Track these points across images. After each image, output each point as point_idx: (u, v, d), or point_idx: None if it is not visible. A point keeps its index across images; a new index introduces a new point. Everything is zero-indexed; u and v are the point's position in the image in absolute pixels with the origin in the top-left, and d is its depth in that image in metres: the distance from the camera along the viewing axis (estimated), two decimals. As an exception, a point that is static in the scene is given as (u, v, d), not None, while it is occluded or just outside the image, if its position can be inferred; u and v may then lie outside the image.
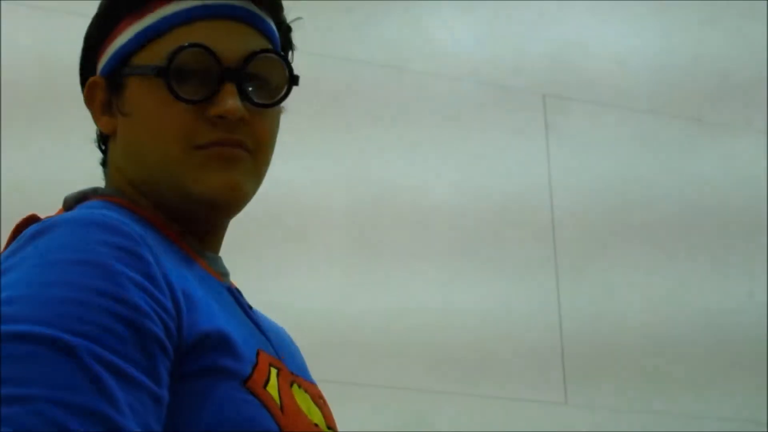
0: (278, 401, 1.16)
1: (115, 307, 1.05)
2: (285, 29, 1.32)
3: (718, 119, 3.22)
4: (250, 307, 1.28)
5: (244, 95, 1.23)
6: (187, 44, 1.22)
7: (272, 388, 1.16)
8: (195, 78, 1.23)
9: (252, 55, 1.24)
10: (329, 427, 1.26)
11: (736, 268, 3.09)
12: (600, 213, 3.02)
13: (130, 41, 1.25)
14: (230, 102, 1.21)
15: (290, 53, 1.33)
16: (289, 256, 2.67)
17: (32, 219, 1.19)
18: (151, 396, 1.04)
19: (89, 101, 1.29)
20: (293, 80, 1.27)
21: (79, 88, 1.33)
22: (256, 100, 1.24)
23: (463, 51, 3.02)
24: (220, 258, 1.31)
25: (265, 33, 1.28)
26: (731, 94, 3.25)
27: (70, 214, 1.17)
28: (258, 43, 1.26)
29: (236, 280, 1.31)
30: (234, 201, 1.25)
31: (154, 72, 1.22)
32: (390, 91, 2.89)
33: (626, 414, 2.85)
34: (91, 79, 1.29)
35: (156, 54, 1.23)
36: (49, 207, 1.27)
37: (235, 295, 1.27)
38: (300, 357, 1.37)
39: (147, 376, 1.04)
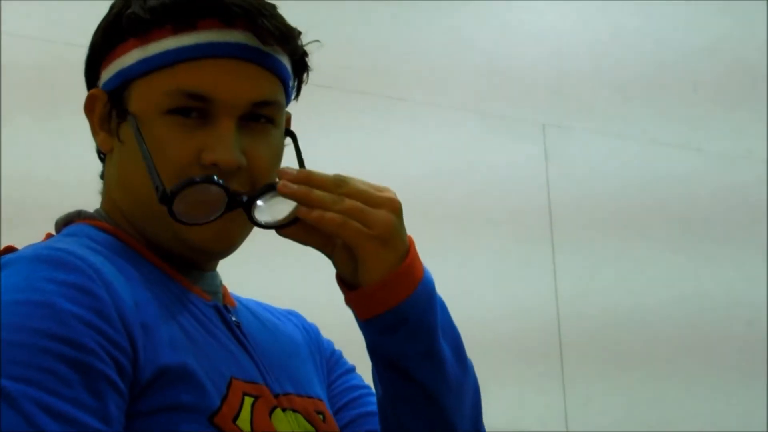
0: None
1: (60, 348, 1.02)
2: (299, 56, 1.26)
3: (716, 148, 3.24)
4: (238, 325, 1.25)
5: (249, 217, 1.17)
6: (190, 182, 1.14)
7: (243, 422, 1.13)
8: (193, 111, 1.18)
9: (266, 189, 1.17)
10: None
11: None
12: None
13: (134, 66, 1.20)
14: (228, 151, 1.16)
15: (305, 74, 1.28)
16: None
17: (8, 250, 1.16)
18: None
19: (88, 112, 1.26)
20: (292, 135, 1.26)
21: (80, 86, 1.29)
22: (261, 224, 1.17)
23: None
24: (212, 275, 1.28)
25: (275, 72, 1.22)
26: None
27: (24, 250, 1.14)
28: (265, 86, 1.21)
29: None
30: (226, 250, 1.22)
31: (158, 194, 1.15)
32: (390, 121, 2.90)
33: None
34: (93, 91, 1.25)
35: (159, 87, 1.18)
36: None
37: (222, 313, 1.23)
38: (305, 359, 1.33)
39: (94, 417, 1.01)
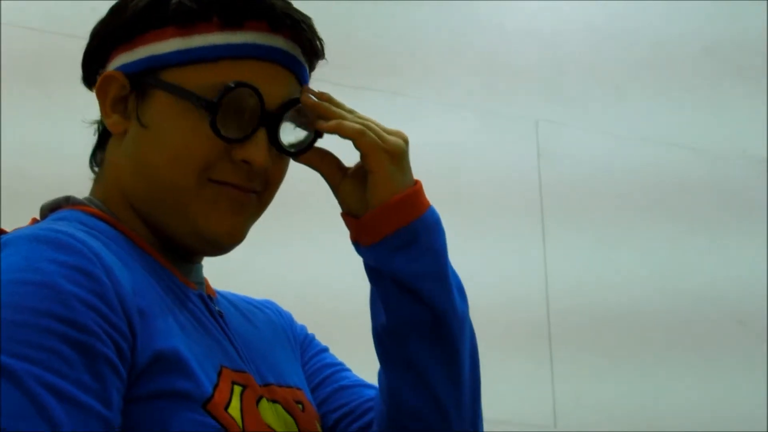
0: (240, 424, 1.14)
1: (62, 328, 1.02)
2: (314, 66, 1.31)
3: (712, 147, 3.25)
4: (221, 314, 1.26)
5: (272, 140, 1.22)
6: (241, 84, 1.19)
7: (234, 410, 1.14)
8: (232, 115, 1.20)
9: (290, 103, 1.23)
10: None
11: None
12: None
13: (171, 55, 1.21)
14: (261, 153, 1.19)
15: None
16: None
17: None
18: (100, 419, 1.01)
19: (101, 93, 1.25)
20: (318, 133, 1.26)
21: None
22: (284, 146, 1.23)
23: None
24: (199, 267, 1.29)
25: (302, 80, 1.26)
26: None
27: (22, 231, 1.13)
28: (295, 90, 1.24)
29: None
30: (232, 245, 1.24)
31: (202, 104, 1.18)
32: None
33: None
34: (111, 72, 1.24)
35: (198, 79, 1.20)
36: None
37: (207, 303, 1.25)
38: (284, 346, 1.34)
39: (96, 400, 1.01)
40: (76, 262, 1.06)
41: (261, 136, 1.20)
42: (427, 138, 2.92)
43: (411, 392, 1.22)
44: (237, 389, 1.16)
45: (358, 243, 1.24)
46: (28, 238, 1.09)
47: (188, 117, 1.20)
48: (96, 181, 1.28)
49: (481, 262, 2.88)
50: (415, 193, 1.22)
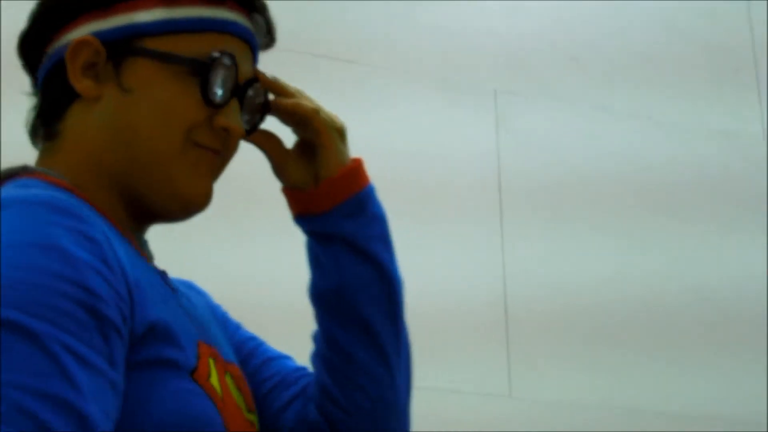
0: (220, 394, 1.18)
1: (74, 291, 1.02)
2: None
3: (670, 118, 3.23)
4: (174, 290, 1.27)
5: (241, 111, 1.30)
6: (226, 54, 1.26)
7: (214, 379, 1.17)
8: (214, 83, 1.25)
9: (252, 81, 1.31)
10: (249, 410, 1.28)
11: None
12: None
13: (156, 23, 1.25)
14: (239, 122, 1.27)
15: None
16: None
17: None
18: (109, 382, 1.02)
19: (71, 57, 1.25)
20: (266, 112, 1.35)
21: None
22: (247, 123, 1.32)
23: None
24: (147, 241, 1.31)
25: (255, 62, 1.33)
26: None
27: (16, 194, 1.12)
28: (252, 70, 1.32)
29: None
30: (204, 208, 1.28)
31: (193, 66, 1.24)
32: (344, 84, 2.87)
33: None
34: (85, 37, 1.25)
35: (184, 48, 1.24)
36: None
37: (165, 278, 1.26)
38: (215, 323, 1.37)
39: (107, 363, 1.02)
40: (80, 227, 1.06)
41: (235, 106, 1.27)
42: (385, 109, 2.88)
43: (360, 346, 1.32)
44: (211, 362, 1.19)
45: (305, 213, 1.34)
46: (26, 201, 1.08)
47: (176, 81, 1.24)
48: (48, 153, 1.27)
49: (438, 237, 2.86)
50: (359, 166, 1.35)
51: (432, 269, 2.79)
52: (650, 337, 2.99)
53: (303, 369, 1.40)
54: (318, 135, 1.33)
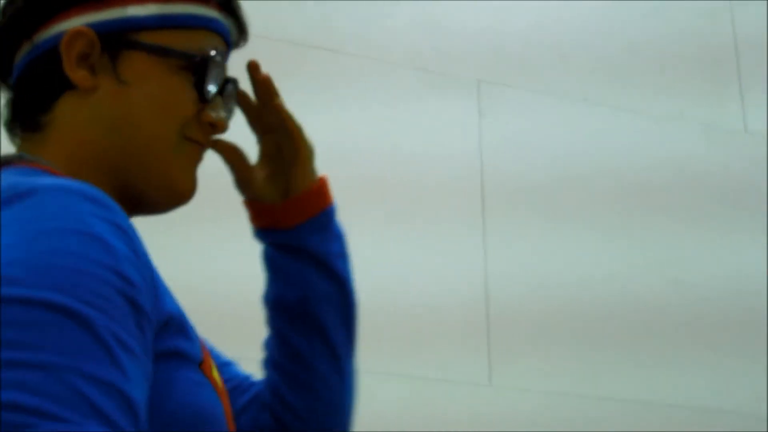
0: (220, 386, 1.20)
1: (114, 280, 1.02)
2: None
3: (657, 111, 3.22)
4: None
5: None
6: (219, 52, 1.30)
7: (215, 372, 1.20)
8: (207, 81, 1.29)
9: (233, 78, 1.35)
10: None
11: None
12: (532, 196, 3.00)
13: (151, 18, 1.27)
14: (225, 117, 1.31)
15: None
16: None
17: None
18: (148, 372, 1.04)
19: (67, 48, 1.25)
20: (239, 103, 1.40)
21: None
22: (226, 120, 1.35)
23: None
24: None
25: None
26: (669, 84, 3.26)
27: (48, 181, 1.11)
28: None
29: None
30: (188, 201, 1.30)
31: (192, 62, 1.27)
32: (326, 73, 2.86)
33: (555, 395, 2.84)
34: (80, 27, 1.25)
35: (178, 43, 1.27)
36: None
37: None
38: None
39: (144, 352, 1.03)
40: (111, 217, 1.06)
41: (220, 102, 1.31)
42: (366, 97, 2.86)
43: (318, 354, 1.39)
44: (207, 354, 1.21)
45: (271, 227, 1.40)
46: (62, 189, 1.07)
47: (172, 75, 1.26)
48: (34, 144, 1.26)
49: (419, 230, 2.83)
50: (326, 184, 1.42)
51: (415, 264, 2.78)
52: (634, 332, 2.97)
53: (250, 376, 1.45)
54: (297, 151, 1.40)
